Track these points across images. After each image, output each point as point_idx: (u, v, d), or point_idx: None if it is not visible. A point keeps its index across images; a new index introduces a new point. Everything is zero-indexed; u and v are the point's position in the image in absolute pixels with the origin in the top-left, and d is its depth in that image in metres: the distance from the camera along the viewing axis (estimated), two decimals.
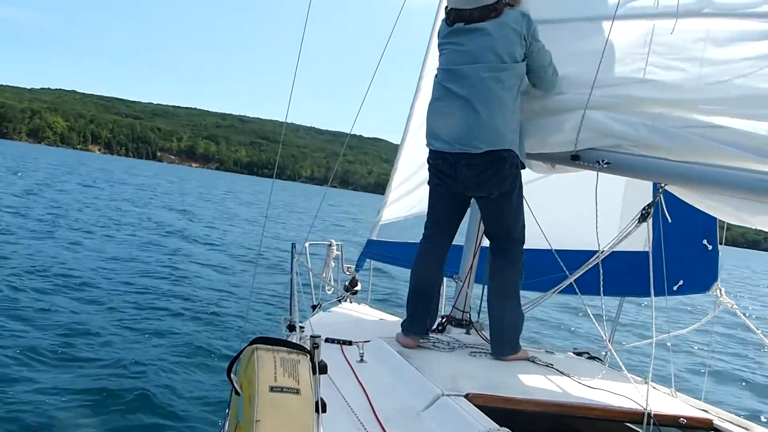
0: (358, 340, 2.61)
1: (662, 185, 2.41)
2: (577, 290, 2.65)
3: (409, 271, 2.80)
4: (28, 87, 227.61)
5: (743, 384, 8.21)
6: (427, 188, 2.78)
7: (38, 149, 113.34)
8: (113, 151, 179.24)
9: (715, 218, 2.85)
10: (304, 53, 3.35)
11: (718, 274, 3.09)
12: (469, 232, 3.02)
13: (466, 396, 1.97)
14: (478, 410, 1.85)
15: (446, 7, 2.61)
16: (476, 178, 2.51)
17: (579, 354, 3.03)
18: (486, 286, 2.79)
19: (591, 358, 2.99)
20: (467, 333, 2.94)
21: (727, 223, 2.65)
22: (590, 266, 2.62)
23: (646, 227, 2.49)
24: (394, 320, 3.42)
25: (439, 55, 2.64)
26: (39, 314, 6.51)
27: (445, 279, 3.00)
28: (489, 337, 2.66)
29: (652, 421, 2.03)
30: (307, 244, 3.88)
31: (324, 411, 1.37)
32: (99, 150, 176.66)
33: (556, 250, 2.68)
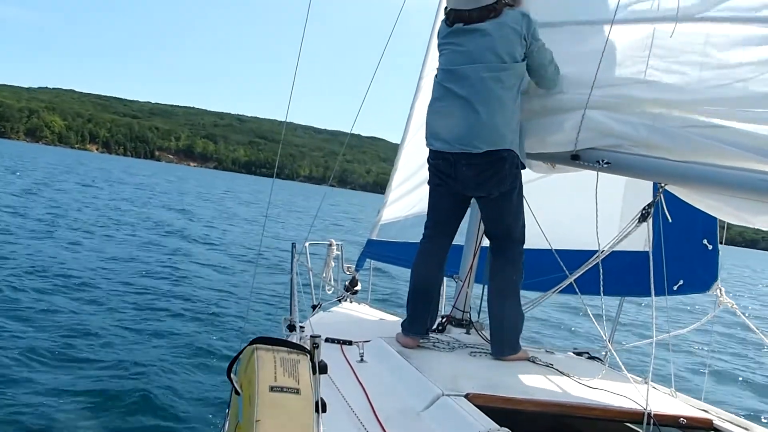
0: (358, 340, 2.61)
1: (662, 185, 2.41)
2: (577, 290, 2.65)
3: (409, 271, 2.80)
4: (26, 86, 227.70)
5: (743, 384, 8.21)
6: (427, 188, 2.79)
7: (36, 148, 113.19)
8: (111, 150, 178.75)
9: (715, 218, 2.85)
10: (306, 52, 3.35)
11: (718, 274, 3.09)
12: (469, 232, 3.02)
13: (466, 396, 1.97)
14: (478, 410, 1.85)
15: (446, 8, 2.61)
16: (476, 178, 2.51)
17: (579, 354, 3.03)
18: (486, 286, 2.79)
19: (591, 358, 2.99)
20: (467, 333, 2.94)
21: (726, 223, 2.65)
22: (590, 266, 2.62)
23: (646, 227, 2.49)
24: (394, 320, 3.42)
25: (439, 56, 2.64)
26: (38, 314, 6.51)
27: (445, 279, 3.00)
28: (489, 337, 2.66)
29: (652, 421, 2.03)
30: (307, 244, 3.88)
31: (324, 411, 1.37)
32: (97, 149, 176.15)
33: (556, 250, 2.68)
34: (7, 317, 6.23)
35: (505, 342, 2.58)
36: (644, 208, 2.47)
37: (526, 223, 2.69)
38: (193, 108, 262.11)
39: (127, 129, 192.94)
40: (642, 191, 2.74)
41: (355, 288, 4.05)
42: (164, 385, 4.99)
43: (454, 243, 2.77)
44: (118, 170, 59.88)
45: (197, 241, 14.98)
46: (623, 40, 2.46)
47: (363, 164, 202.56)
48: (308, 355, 1.43)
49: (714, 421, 2.19)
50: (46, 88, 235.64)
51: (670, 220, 2.48)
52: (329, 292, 4.00)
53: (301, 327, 2.54)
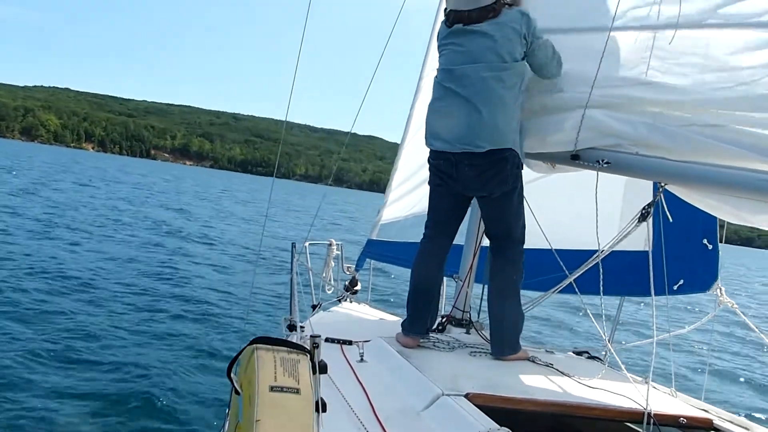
0: (358, 340, 2.61)
1: (662, 184, 2.41)
2: (576, 290, 2.65)
3: (409, 270, 2.80)
4: (21, 84, 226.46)
5: (744, 383, 8.21)
6: (427, 188, 2.79)
7: (31, 147, 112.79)
8: (107, 149, 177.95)
9: (716, 217, 2.85)
10: (304, 51, 3.35)
11: (718, 274, 3.09)
12: (469, 232, 3.02)
13: (466, 396, 1.96)
14: (478, 410, 1.85)
15: (445, 9, 2.62)
16: (478, 178, 2.51)
17: (579, 354, 3.03)
18: (486, 286, 2.79)
19: (591, 357, 3.00)
20: (467, 333, 2.94)
21: (726, 222, 2.65)
22: (590, 266, 2.62)
23: (646, 227, 2.49)
24: (394, 320, 3.42)
25: (439, 56, 2.64)
26: (37, 315, 6.50)
27: (445, 279, 3.00)
28: (489, 337, 2.66)
29: (652, 420, 2.03)
30: (307, 244, 3.88)
31: (324, 411, 1.37)
32: (92, 148, 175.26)
33: (556, 250, 2.68)
34: (6, 318, 6.22)
35: (505, 342, 2.58)
36: (644, 208, 2.47)
37: (526, 222, 2.69)
38: (189, 107, 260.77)
39: (122, 128, 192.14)
40: (642, 191, 2.74)
41: (355, 288, 4.05)
42: (164, 385, 4.99)
43: (454, 243, 2.78)
44: (114, 169, 59.81)
45: (196, 241, 14.98)
46: (624, 42, 2.46)
47: (359, 163, 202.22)
48: (308, 355, 1.43)
49: (714, 421, 2.19)
50: (42, 86, 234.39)
51: (671, 220, 2.47)
52: (329, 292, 4.00)
53: (301, 327, 2.54)
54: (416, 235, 2.84)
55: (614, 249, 2.60)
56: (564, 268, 2.68)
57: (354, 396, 2.01)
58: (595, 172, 2.42)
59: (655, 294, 2.36)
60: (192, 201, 31.09)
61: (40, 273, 8.53)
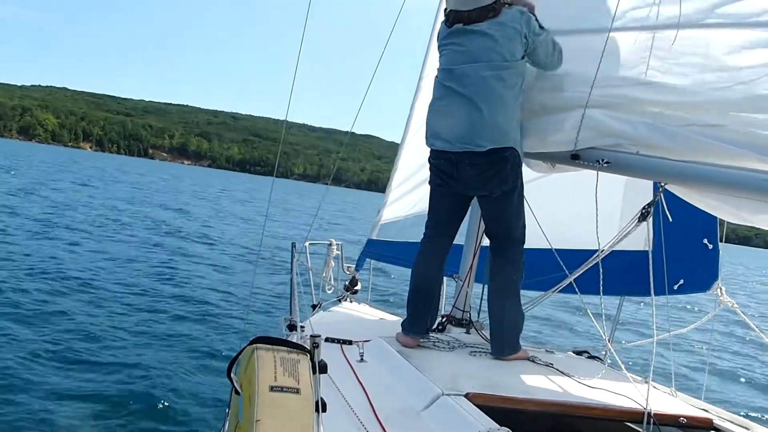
0: (358, 340, 2.61)
1: (662, 184, 2.41)
2: (576, 290, 2.65)
3: (410, 270, 2.80)
4: (19, 84, 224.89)
5: (744, 382, 8.21)
6: (427, 188, 2.79)
7: (29, 147, 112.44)
8: (105, 148, 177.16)
9: (716, 217, 2.85)
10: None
11: (718, 273, 3.09)
12: (470, 232, 3.02)
13: (466, 395, 1.96)
14: (478, 410, 1.85)
15: (445, 9, 2.62)
16: (478, 178, 2.51)
17: (579, 353, 3.03)
18: (486, 286, 2.79)
19: (591, 357, 3.00)
20: (467, 332, 2.94)
21: (726, 222, 2.65)
22: (590, 265, 2.62)
23: (646, 226, 2.49)
24: (394, 320, 3.42)
25: (440, 56, 2.65)
26: (36, 315, 6.50)
27: (445, 278, 3.00)
28: (489, 337, 2.66)
29: (652, 420, 2.02)
30: (307, 244, 3.88)
31: (324, 410, 1.37)
32: (90, 147, 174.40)
33: (556, 250, 2.68)
34: (5, 318, 6.22)
35: (505, 342, 2.58)
36: (644, 208, 2.47)
37: (526, 222, 2.69)
38: (187, 106, 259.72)
39: (120, 127, 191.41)
40: (642, 191, 2.74)
41: (355, 288, 4.05)
42: (164, 385, 4.99)
43: (454, 243, 2.78)
44: (113, 168, 59.77)
45: (195, 241, 14.97)
46: (624, 42, 2.46)
47: (357, 162, 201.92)
48: (308, 355, 1.43)
49: (714, 421, 2.19)
50: (39, 86, 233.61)
51: (670, 220, 2.48)
52: (329, 292, 4.00)
53: (301, 327, 2.54)
54: (416, 235, 2.84)
55: (614, 249, 2.60)
56: (564, 267, 2.68)
57: (354, 396, 2.01)
58: (595, 172, 2.42)
59: (655, 294, 2.36)
60: (191, 200, 31.07)
61: (39, 273, 8.52)
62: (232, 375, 1.44)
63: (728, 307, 2.93)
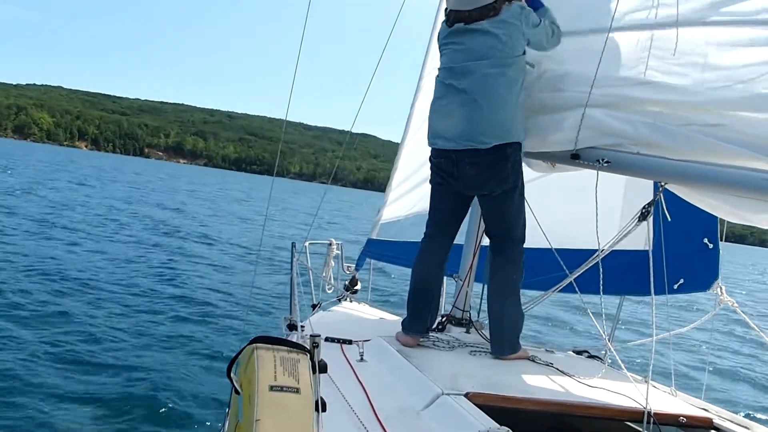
0: (358, 339, 2.61)
1: (662, 184, 2.41)
2: (576, 289, 2.65)
3: (410, 270, 2.80)
4: (14, 83, 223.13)
5: (744, 382, 8.21)
6: (427, 187, 2.78)
7: (24, 146, 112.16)
8: (100, 147, 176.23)
9: (716, 217, 2.85)
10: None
11: (719, 273, 3.08)
12: (470, 231, 3.02)
13: (466, 395, 1.96)
14: (478, 409, 1.85)
15: (445, 9, 2.62)
16: (479, 177, 2.51)
17: (579, 353, 3.03)
18: (486, 285, 2.79)
19: (591, 357, 2.99)
20: (467, 332, 2.94)
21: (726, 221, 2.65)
22: (590, 265, 2.62)
23: (647, 226, 2.49)
24: (394, 319, 3.42)
25: (441, 56, 2.65)
26: (35, 315, 6.50)
27: (445, 278, 3.00)
28: (489, 336, 2.66)
29: (652, 420, 2.02)
30: (306, 243, 3.88)
31: (324, 410, 1.37)
32: (86, 146, 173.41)
33: (556, 249, 2.68)
34: (5, 319, 6.22)
35: (505, 341, 2.58)
36: (644, 207, 2.47)
37: (526, 222, 2.69)
38: (183, 105, 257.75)
39: (116, 126, 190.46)
40: (642, 190, 2.74)
41: (355, 287, 4.05)
42: (163, 385, 5.00)
43: (454, 242, 2.78)
44: (109, 168, 59.72)
45: (194, 241, 14.97)
46: (624, 42, 2.46)
47: (353, 161, 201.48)
48: (308, 355, 1.43)
49: (714, 420, 2.19)
50: (34, 84, 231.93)
51: (670, 219, 2.47)
52: (329, 292, 4.00)
53: (301, 326, 2.54)
54: (416, 235, 2.84)
55: (614, 248, 2.60)
56: (564, 267, 2.67)
57: (354, 395, 2.01)
58: (595, 172, 2.42)
59: (656, 293, 2.36)
60: (188, 200, 31.07)
61: (37, 273, 8.52)
62: (232, 375, 1.44)
63: (728, 307, 2.93)
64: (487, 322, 2.77)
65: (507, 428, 1.66)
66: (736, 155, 2.08)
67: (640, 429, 2.07)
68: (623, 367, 2.48)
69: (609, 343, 2.66)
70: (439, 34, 2.66)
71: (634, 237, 2.55)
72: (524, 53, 2.52)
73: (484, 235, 2.87)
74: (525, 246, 2.68)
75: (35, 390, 4.60)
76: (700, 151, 2.16)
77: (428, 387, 2.04)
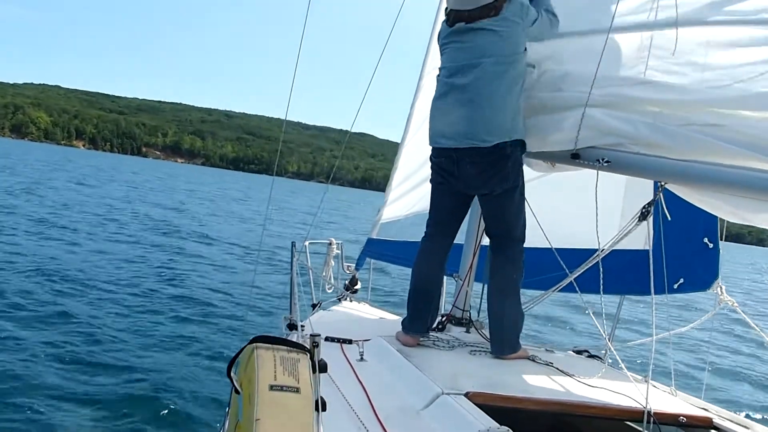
0: (358, 339, 2.61)
1: (662, 183, 2.41)
2: (577, 289, 2.65)
3: (410, 269, 2.80)
4: (11, 82, 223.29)
5: (744, 381, 8.21)
6: (427, 187, 2.79)
7: (22, 145, 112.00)
8: (98, 146, 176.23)
9: (716, 216, 2.85)
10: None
11: (719, 273, 3.08)
12: (469, 231, 3.02)
13: (466, 395, 1.96)
14: (478, 409, 1.85)
15: (446, 9, 2.62)
16: (480, 176, 2.51)
17: (579, 352, 3.03)
18: (486, 285, 2.79)
19: (591, 356, 2.99)
20: (467, 332, 2.94)
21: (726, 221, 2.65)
22: (590, 264, 2.62)
23: (647, 226, 2.49)
24: (394, 319, 3.42)
25: (441, 55, 2.64)
26: (34, 316, 6.49)
27: (444, 277, 3.00)
28: (489, 336, 2.66)
29: (652, 419, 2.02)
30: (306, 243, 3.88)
31: (324, 410, 1.37)
32: (83, 145, 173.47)
33: (556, 249, 2.68)
34: (4, 320, 6.21)
35: (505, 341, 2.58)
36: (644, 207, 2.47)
37: (526, 221, 2.69)
38: (180, 104, 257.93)
39: (113, 125, 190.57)
40: (642, 190, 2.74)
41: (355, 287, 4.05)
42: (163, 385, 5.00)
43: (454, 241, 2.78)
44: (107, 167, 59.70)
45: (193, 240, 14.97)
46: (623, 42, 2.46)
47: (351, 160, 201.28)
48: (308, 354, 1.43)
49: (714, 420, 2.19)
50: (32, 83, 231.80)
51: (670, 219, 2.47)
52: (329, 291, 4.00)
53: (301, 326, 2.54)
54: (416, 234, 2.84)
55: (614, 248, 2.60)
56: (564, 266, 2.67)
57: (354, 395, 2.01)
58: (595, 171, 2.42)
59: (655, 293, 2.36)
60: (187, 199, 31.06)
61: (36, 273, 8.50)
62: (231, 374, 1.44)
63: (728, 306, 2.93)
64: (487, 321, 2.77)
65: (507, 428, 1.66)
66: (735, 155, 2.07)
67: (640, 429, 2.07)
68: (623, 366, 2.48)
69: (609, 343, 2.66)
70: (439, 34, 2.65)
71: (634, 236, 2.55)
72: (525, 50, 2.52)
73: (484, 234, 2.87)
74: (525, 245, 2.68)
75: (34, 389, 4.59)
76: (700, 150, 2.16)
77: (428, 386, 2.04)
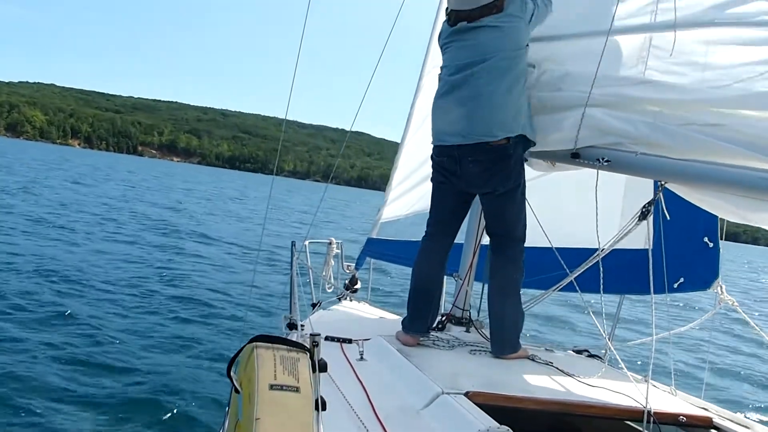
0: (358, 339, 2.61)
1: (662, 183, 2.41)
2: (577, 288, 2.65)
3: (410, 269, 2.80)
4: (6, 80, 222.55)
5: (744, 381, 8.21)
6: (427, 186, 2.78)
7: (17, 143, 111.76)
8: (93, 145, 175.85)
9: (716, 216, 2.85)
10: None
11: (719, 272, 3.08)
12: (470, 230, 3.02)
13: (466, 394, 1.96)
14: (478, 408, 1.85)
15: (447, 9, 2.62)
16: (482, 175, 2.51)
17: (579, 352, 3.03)
18: (487, 285, 2.79)
19: (591, 356, 2.99)
20: (467, 331, 2.94)
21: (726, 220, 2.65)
22: (590, 264, 2.62)
23: (647, 225, 2.49)
24: (394, 318, 3.42)
25: (443, 54, 2.64)
26: (32, 315, 6.49)
27: (445, 277, 3.00)
28: (489, 336, 2.66)
29: (651, 419, 2.02)
30: (306, 242, 3.88)
31: (324, 409, 1.37)
32: (79, 144, 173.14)
33: (556, 248, 2.68)
34: (4, 320, 6.21)
35: (505, 341, 2.58)
36: (644, 206, 2.47)
37: (527, 221, 2.68)
38: (176, 102, 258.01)
39: (109, 124, 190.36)
40: (642, 189, 2.74)
41: (355, 286, 4.05)
42: (163, 384, 5.00)
43: (454, 241, 2.78)
44: (103, 166, 59.67)
45: (192, 240, 14.96)
46: (623, 43, 2.47)
47: (347, 159, 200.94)
48: (308, 354, 1.43)
49: (714, 419, 2.19)
50: (27, 82, 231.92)
51: (669, 218, 2.47)
52: (329, 291, 4.00)
53: (301, 325, 2.54)
54: (416, 234, 2.84)
55: (615, 247, 2.60)
56: (564, 266, 2.67)
57: (354, 394, 2.01)
58: (595, 171, 2.42)
59: (655, 292, 2.36)
60: (184, 198, 31.05)
61: (35, 273, 8.49)
62: (231, 373, 1.44)
63: (728, 306, 2.93)
64: (487, 321, 2.76)
65: (507, 427, 1.66)
66: (735, 154, 2.07)
67: (640, 428, 2.07)
68: (623, 366, 2.48)
69: (609, 342, 2.66)
70: (440, 34, 2.65)
71: (635, 236, 2.55)
72: (528, 46, 2.52)
73: (484, 233, 2.87)
74: (525, 245, 2.68)
75: (33, 390, 4.59)
76: (699, 150, 2.16)
77: (428, 386, 2.04)
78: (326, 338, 2.56)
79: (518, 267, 2.63)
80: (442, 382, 2.04)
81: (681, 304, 10.08)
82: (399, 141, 4.10)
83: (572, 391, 2.21)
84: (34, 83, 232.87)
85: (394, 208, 4.12)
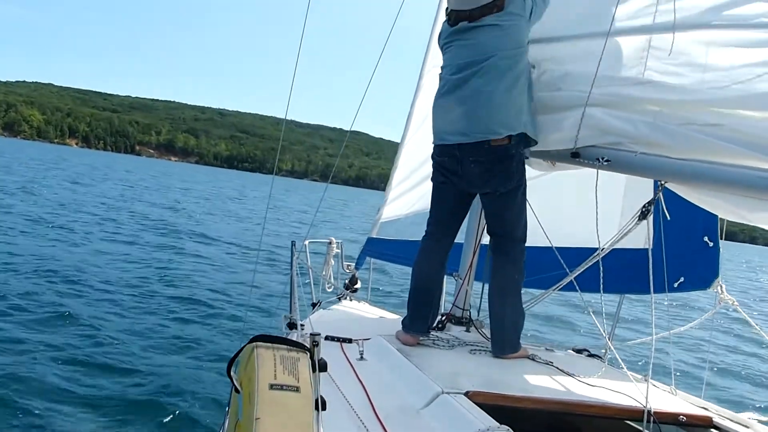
0: (358, 338, 2.60)
1: (662, 183, 2.41)
2: (577, 288, 2.65)
3: (410, 269, 2.80)
4: (3, 80, 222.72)
5: (744, 380, 8.21)
6: (427, 186, 2.78)
7: (14, 143, 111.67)
8: (91, 145, 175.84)
9: (716, 215, 2.85)
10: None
11: (719, 271, 3.08)
12: (470, 230, 3.02)
13: (466, 394, 1.96)
14: (478, 408, 1.85)
15: (447, 9, 2.61)
16: (483, 175, 2.51)
17: (579, 352, 3.03)
18: (487, 285, 2.79)
19: (591, 355, 2.99)
20: (467, 331, 2.94)
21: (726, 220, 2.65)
22: (590, 263, 2.62)
23: (647, 225, 2.49)
24: (394, 318, 3.42)
25: (444, 54, 2.64)
26: (32, 315, 6.48)
27: (445, 277, 3.00)
28: (489, 335, 2.66)
29: (651, 418, 2.02)
30: (306, 242, 3.87)
31: (324, 409, 1.37)
32: (76, 144, 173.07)
33: (556, 248, 2.68)
34: (4, 320, 6.21)
35: (505, 340, 2.58)
36: (644, 206, 2.47)
37: (527, 221, 2.68)
38: (174, 102, 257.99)
39: (107, 123, 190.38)
40: (642, 189, 2.74)
41: (355, 286, 4.05)
42: (163, 384, 4.99)
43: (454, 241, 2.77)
44: (101, 165, 59.59)
45: (192, 240, 14.95)
46: (623, 43, 2.47)
47: (345, 158, 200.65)
48: (308, 353, 1.43)
49: (714, 419, 2.19)
50: (24, 81, 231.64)
51: (669, 218, 2.47)
52: (329, 290, 4.00)
53: (301, 325, 2.54)
54: (416, 233, 2.84)
55: (615, 247, 2.60)
56: (564, 266, 2.67)
57: (354, 394, 2.01)
58: (595, 170, 2.42)
59: (655, 292, 2.36)
60: (182, 198, 31.02)
61: (34, 273, 8.48)
62: (231, 373, 1.44)
63: (728, 305, 2.93)
64: (487, 320, 2.76)
65: (507, 427, 1.66)
66: (735, 154, 2.08)
67: (640, 428, 2.07)
68: (623, 365, 2.48)
69: (609, 342, 2.66)
70: (440, 34, 2.65)
71: (635, 235, 2.55)
72: (529, 43, 2.52)
73: (484, 233, 2.87)
74: (525, 245, 2.68)
75: (32, 390, 4.58)
76: (699, 150, 2.16)
77: (428, 386, 2.04)
78: (326, 338, 2.56)
79: (518, 267, 2.63)
80: (442, 382, 2.04)
81: (681, 304, 10.07)
82: (397, 140, 4.10)
83: (572, 391, 2.21)
84: (32, 83, 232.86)
85: (394, 207, 4.11)
